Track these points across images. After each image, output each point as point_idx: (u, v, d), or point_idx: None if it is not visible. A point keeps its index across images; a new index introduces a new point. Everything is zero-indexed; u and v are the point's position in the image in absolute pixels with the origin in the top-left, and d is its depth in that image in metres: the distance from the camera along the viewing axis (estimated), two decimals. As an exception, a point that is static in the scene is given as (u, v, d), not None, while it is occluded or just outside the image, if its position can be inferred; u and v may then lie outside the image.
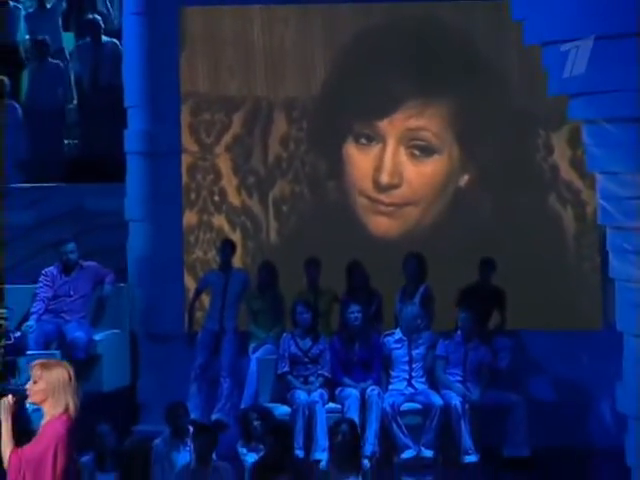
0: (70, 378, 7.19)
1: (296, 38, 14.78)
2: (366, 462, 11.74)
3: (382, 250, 14.52)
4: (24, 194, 15.11)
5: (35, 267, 14.24)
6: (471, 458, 13.13)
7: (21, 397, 7.12)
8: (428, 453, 13.11)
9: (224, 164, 14.56)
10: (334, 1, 14.69)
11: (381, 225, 14.89)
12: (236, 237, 14.54)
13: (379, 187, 14.67)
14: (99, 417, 12.80)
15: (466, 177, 14.92)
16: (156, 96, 14.42)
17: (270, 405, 12.99)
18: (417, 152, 14.61)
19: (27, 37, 16.64)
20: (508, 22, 13.67)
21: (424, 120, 14.65)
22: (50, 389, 7.07)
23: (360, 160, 14.65)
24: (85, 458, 11.02)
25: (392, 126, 14.54)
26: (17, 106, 15.65)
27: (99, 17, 16.36)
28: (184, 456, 11.59)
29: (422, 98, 14.68)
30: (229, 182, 14.56)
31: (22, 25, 16.73)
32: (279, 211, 14.77)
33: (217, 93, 14.66)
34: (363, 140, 14.61)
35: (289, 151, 14.67)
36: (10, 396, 7.12)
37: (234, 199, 14.58)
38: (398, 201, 14.75)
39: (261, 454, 11.51)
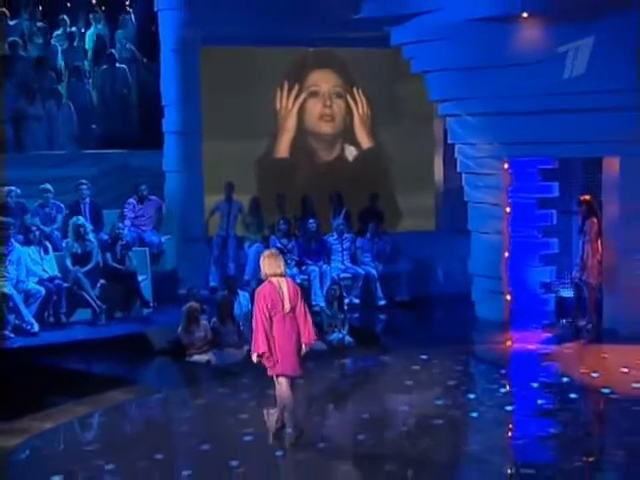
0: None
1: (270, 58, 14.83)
2: (346, 305, 12.04)
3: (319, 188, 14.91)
4: (90, 157, 14.93)
5: (101, 200, 13.90)
6: (381, 302, 13.83)
7: None
8: (356, 300, 13.78)
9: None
10: (292, 45, 14.78)
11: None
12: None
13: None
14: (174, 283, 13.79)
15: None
16: (185, 99, 14.16)
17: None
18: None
19: (62, 63, 16.39)
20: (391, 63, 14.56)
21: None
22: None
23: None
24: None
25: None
26: (70, 105, 15.37)
27: (115, 51, 16.29)
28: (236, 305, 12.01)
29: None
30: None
31: (59, 56, 16.47)
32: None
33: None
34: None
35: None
36: None
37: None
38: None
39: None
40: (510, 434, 8.86)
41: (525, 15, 11.77)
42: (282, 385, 8.16)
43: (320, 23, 13.71)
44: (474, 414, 9.02)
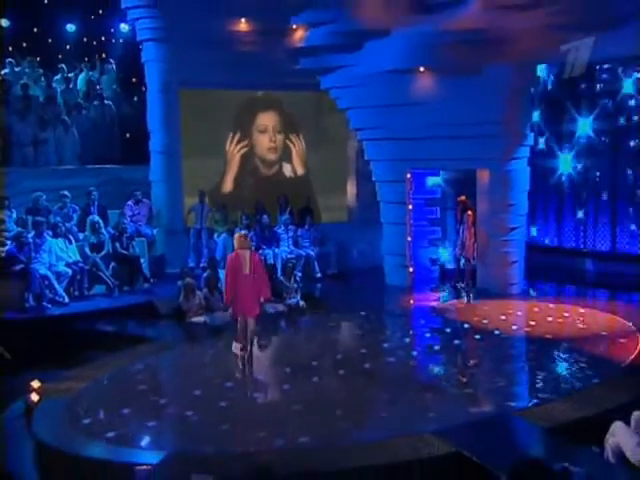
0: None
1: (231, 97, 14.42)
2: (298, 277, 12.03)
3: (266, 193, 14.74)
4: (91, 170, 14.15)
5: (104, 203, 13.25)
6: (317, 275, 13.67)
7: None
8: (300, 274, 12.96)
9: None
10: (246, 88, 14.37)
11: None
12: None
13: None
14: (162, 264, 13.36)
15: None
16: (168, 127, 13.86)
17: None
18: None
19: (61, 101, 15.62)
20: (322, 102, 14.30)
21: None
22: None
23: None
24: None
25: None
26: (74, 131, 14.55)
27: (102, 91, 15.48)
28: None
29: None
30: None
31: (59, 95, 15.61)
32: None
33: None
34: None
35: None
36: None
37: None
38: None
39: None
40: (442, 365, 8.90)
41: (422, 69, 11.97)
42: (240, 322, 8.84)
43: (268, 72, 13.51)
44: (414, 352, 9.16)
